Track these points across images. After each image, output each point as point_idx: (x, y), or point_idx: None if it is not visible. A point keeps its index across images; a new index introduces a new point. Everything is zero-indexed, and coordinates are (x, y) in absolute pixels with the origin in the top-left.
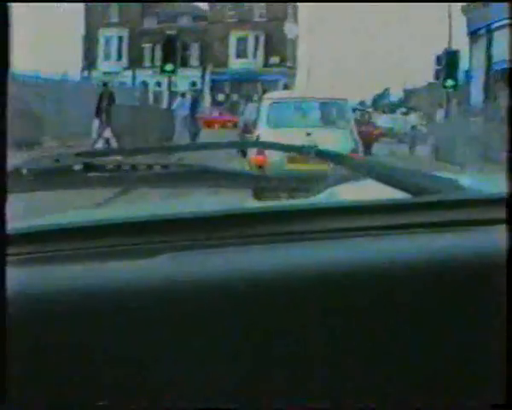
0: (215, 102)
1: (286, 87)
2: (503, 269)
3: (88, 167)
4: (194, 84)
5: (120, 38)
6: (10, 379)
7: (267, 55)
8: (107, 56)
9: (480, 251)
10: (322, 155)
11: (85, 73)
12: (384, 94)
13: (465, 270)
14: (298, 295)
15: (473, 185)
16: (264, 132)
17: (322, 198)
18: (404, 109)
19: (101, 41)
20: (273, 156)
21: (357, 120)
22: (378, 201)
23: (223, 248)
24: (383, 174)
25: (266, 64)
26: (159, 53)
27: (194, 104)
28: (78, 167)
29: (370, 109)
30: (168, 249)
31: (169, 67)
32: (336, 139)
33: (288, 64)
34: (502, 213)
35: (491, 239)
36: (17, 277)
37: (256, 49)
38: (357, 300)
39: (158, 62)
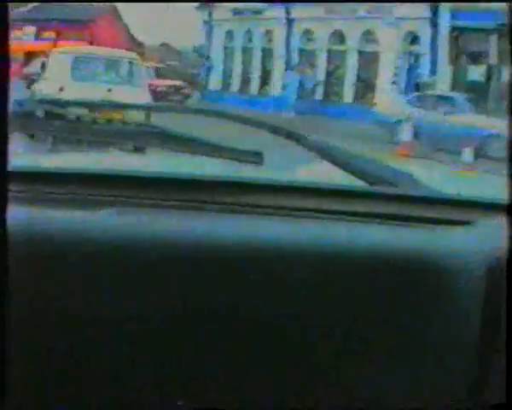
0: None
1: None
2: (458, 269)
3: (49, 115)
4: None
5: None
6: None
7: None
8: None
9: (431, 250)
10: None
11: None
12: None
13: (414, 265)
14: (229, 265)
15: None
16: (69, 85)
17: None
18: None
19: None
20: None
21: None
22: (332, 185)
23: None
24: (341, 159)
25: None
26: None
27: None
28: (40, 114)
29: None
30: (118, 203)
31: None
32: (133, 95)
33: None
34: (457, 215)
35: (443, 239)
36: (15, 214)
37: None
38: (289, 277)
39: None
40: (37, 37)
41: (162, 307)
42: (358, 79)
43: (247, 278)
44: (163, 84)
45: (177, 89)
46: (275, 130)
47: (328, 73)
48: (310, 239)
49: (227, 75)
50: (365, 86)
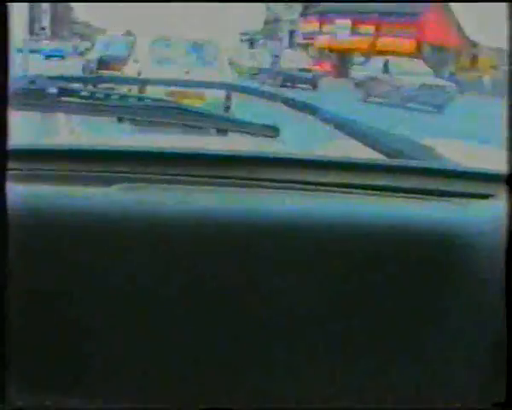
0: None
1: None
2: (474, 244)
3: (62, 92)
4: None
5: None
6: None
7: None
8: None
9: (451, 223)
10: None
11: None
12: None
13: (433, 240)
14: (258, 240)
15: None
16: (146, 69)
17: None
18: None
19: None
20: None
21: None
22: (350, 158)
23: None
24: (358, 132)
25: None
26: None
27: None
28: (52, 91)
29: None
30: (125, 180)
31: None
32: (212, 76)
33: None
34: (477, 188)
35: (462, 213)
36: (16, 192)
37: None
38: (307, 253)
39: None
40: (354, 31)
41: (171, 284)
42: None
43: (264, 255)
44: None
45: None
46: (291, 102)
47: None
48: (330, 214)
49: None
50: None
